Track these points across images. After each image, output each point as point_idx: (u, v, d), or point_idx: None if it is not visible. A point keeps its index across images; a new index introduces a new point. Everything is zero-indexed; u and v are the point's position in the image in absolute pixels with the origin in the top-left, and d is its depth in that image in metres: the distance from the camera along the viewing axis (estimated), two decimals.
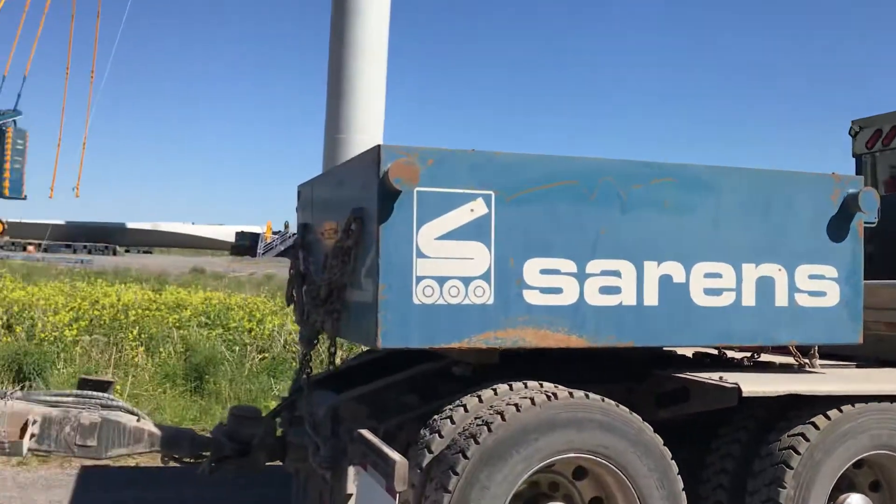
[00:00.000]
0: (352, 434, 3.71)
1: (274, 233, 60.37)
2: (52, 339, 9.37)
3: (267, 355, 9.81)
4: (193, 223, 72.60)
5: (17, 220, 56.79)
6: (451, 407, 3.57)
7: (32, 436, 3.91)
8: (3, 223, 50.97)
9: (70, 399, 4.12)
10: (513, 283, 3.54)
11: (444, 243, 3.46)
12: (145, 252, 58.93)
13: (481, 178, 3.53)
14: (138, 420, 4.15)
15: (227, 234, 66.24)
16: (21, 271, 19.10)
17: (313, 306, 4.05)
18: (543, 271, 3.59)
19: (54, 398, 4.12)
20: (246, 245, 61.35)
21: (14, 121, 55.01)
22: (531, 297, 3.57)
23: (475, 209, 3.50)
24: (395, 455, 3.13)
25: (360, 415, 4.08)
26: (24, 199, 56.27)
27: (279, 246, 57.45)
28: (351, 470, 3.84)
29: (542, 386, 3.62)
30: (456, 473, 3.25)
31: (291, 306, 4.76)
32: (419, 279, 3.42)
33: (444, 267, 3.46)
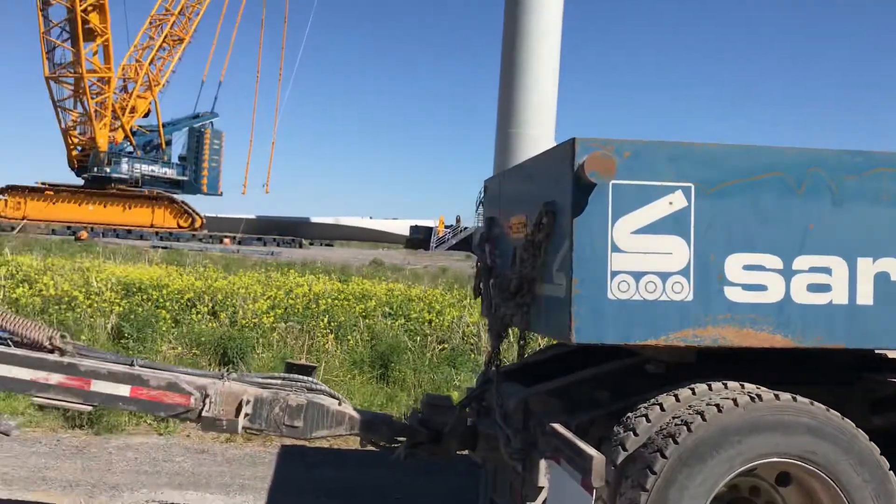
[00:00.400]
0: (543, 427, 3.72)
1: (446, 227, 61.63)
2: (251, 325, 10.05)
3: (447, 346, 10.03)
4: (371, 217, 75.62)
5: (214, 215, 61.51)
6: (645, 405, 3.50)
7: (246, 415, 4.21)
8: (201, 218, 55.13)
9: (279, 382, 4.40)
10: (714, 280, 3.41)
11: (641, 237, 3.39)
12: (327, 245, 61.80)
13: (680, 170, 3.43)
14: (340, 404, 4.37)
15: (401, 227, 68.48)
16: (221, 262, 20.63)
17: (502, 299, 4.10)
18: (746, 267, 3.43)
19: (264, 380, 4.42)
20: (420, 238, 63.14)
21: (211, 123, 59.70)
22: (733, 294, 3.42)
23: (674, 202, 3.40)
24: (592, 451, 3.11)
25: (551, 408, 4.08)
26: (220, 195, 61.10)
27: (451, 239, 58.62)
28: (542, 463, 3.85)
29: (743, 387, 3.47)
30: (654, 472, 3.18)
31: (478, 299, 4.86)
32: (614, 274, 3.37)
33: (641, 262, 3.39)
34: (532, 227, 3.70)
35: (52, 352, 4.30)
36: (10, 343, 4.36)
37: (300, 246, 52.45)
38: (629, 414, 3.53)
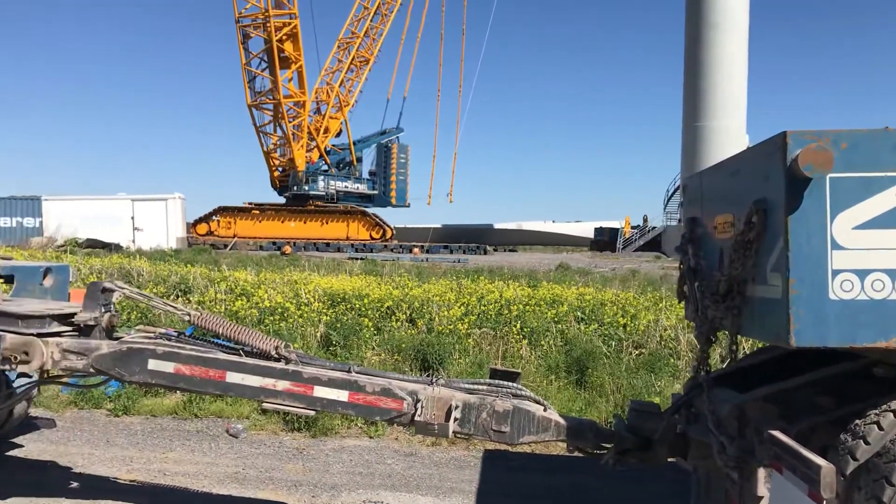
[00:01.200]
0: (760, 434, 3.58)
1: (632, 227, 60.23)
2: (447, 331, 10.35)
3: (643, 351, 9.81)
4: (553, 221, 75.47)
5: (402, 226, 63.91)
6: (876, 411, 3.27)
7: (455, 420, 4.35)
8: (392, 229, 57.30)
9: (484, 387, 4.52)
10: None
11: (864, 233, 3.18)
12: (510, 250, 62.38)
13: None
14: (545, 410, 4.42)
15: (585, 230, 67.73)
16: (413, 271, 21.35)
17: (711, 302, 3.97)
18: None
19: (471, 386, 4.55)
20: (605, 240, 61.77)
21: (397, 138, 62.07)
22: None
23: None
24: (819, 460, 2.96)
25: (768, 414, 3.89)
26: (408, 206, 63.28)
27: (638, 240, 57.18)
28: (761, 471, 3.70)
29: None
30: (892, 484, 2.97)
31: (681, 303, 4.73)
32: (836, 273, 3.19)
33: (865, 259, 3.18)
34: (742, 226, 3.57)
35: (277, 360, 4.67)
36: (241, 353, 4.78)
37: (485, 252, 53.19)
38: (857, 421, 3.31)
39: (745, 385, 4.18)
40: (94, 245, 37.43)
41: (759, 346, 5.90)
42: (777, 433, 3.37)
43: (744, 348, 7.25)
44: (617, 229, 60.80)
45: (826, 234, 3.19)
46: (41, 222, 44.77)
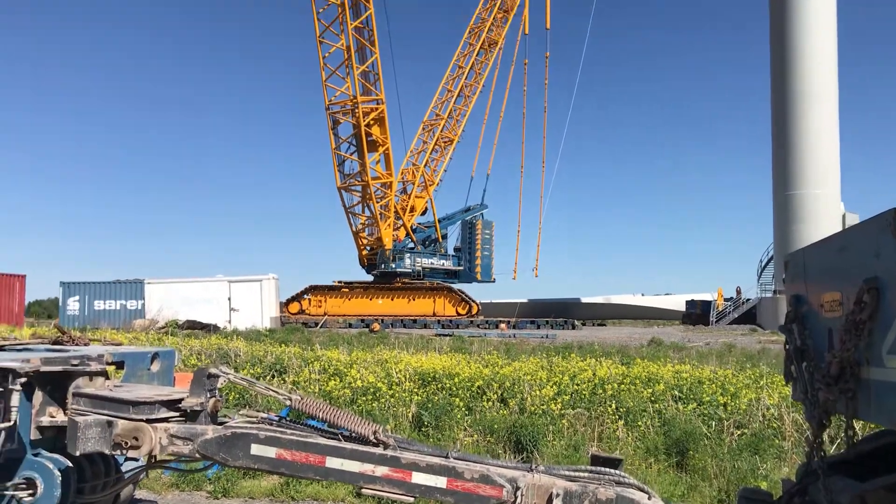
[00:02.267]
0: None
1: (726, 299, 58.60)
2: (539, 412, 10.18)
3: (746, 431, 9.41)
4: (643, 294, 74.20)
5: (488, 301, 64.01)
6: None
7: None
8: (477, 304, 57.40)
9: (586, 474, 4.40)
10: None
11: None
12: (599, 325, 61.41)
13: None
14: (649, 498, 4.26)
15: (675, 303, 66.34)
16: (501, 347, 21.23)
17: (823, 385, 3.81)
18: None
19: (571, 472, 4.44)
20: (697, 313, 59.76)
21: (482, 214, 62.79)
22: None
23: None
24: None
25: None
26: (493, 281, 63.43)
27: (732, 313, 55.50)
28: None
29: None
30: None
31: (788, 384, 4.56)
32: None
33: None
34: (852, 305, 3.44)
35: (376, 445, 4.68)
36: (340, 437, 4.82)
37: (573, 327, 52.55)
38: None
39: (863, 472, 3.95)
40: (193, 326, 38.78)
41: (875, 429, 5.59)
42: None
43: (858, 431, 6.88)
44: (709, 302, 59.29)
45: None
46: (143, 304, 46.80)
